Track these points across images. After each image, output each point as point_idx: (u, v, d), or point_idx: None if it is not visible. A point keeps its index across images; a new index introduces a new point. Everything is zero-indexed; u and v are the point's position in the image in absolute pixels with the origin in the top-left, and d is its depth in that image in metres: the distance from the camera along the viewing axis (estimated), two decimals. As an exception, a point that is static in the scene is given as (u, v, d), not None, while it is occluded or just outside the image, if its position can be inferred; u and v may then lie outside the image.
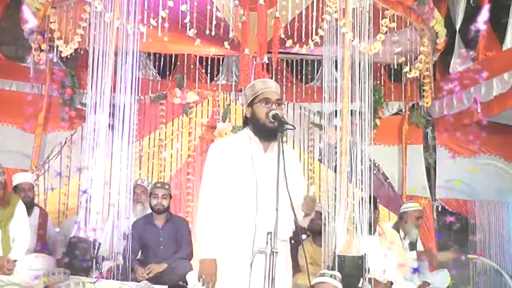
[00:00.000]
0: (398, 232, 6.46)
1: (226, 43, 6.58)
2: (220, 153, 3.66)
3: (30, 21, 6.91)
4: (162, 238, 6.19)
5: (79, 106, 8.09)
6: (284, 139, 3.77)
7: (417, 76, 7.57)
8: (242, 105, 8.28)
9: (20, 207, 5.86)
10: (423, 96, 8.10)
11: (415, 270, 6.24)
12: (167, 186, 6.47)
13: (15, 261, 5.61)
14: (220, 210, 3.50)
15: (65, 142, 7.95)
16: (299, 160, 7.87)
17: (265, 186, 3.41)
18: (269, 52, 6.43)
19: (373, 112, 6.30)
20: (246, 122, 3.68)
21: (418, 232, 6.83)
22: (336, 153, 6.11)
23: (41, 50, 7.36)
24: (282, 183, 3.19)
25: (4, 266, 5.54)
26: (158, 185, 6.47)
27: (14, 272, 5.56)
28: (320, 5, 6.27)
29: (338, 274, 5.08)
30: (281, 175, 3.20)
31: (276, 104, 3.59)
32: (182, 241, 6.25)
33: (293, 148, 7.90)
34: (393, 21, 6.60)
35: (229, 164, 3.57)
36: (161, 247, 6.17)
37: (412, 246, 6.71)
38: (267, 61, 6.47)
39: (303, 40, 6.54)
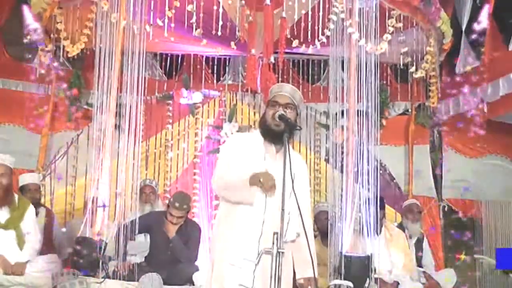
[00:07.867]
0: (404, 232, 6.46)
1: (232, 43, 6.58)
2: (237, 141, 3.75)
3: (30, 22, 6.93)
4: (171, 245, 5.92)
5: (85, 106, 8.09)
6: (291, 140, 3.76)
7: (423, 76, 7.54)
8: (248, 106, 8.38)
9: (30, 212, 5.82)
10: (429, 96, 8.07)
11: None
12: (185, 206, 5.88)
13: (27, 262, 5.61)
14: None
15: (72, 143, 7.97)
16: (306, 160, 7.90)
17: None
18: (275, 52, 6.43)
19: (379, 112, 6.28)
20: None
21: (418, 227, 6.82)
22: (342, 153, 6.11)
23: (48, 51, 7.37)
24: (289, 184, 3.20)
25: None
26: (177, 204, 5.81)
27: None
28: (327, 5, 6.27)
29: (350, 284, 5.12)
30: (288, 176, 3.21)
31: (285, 108, 3.59)
32: (191, 244, 6.09)
33: (300, 148, 7.91)
34: (400, 21, 6.60)
35: (243, 153, 3.60)
36: (169, 252, 5.92)
37: (418, 244, 6.70)
38: (273, 61, 6.46)
39: (310, 40, 6.54)
